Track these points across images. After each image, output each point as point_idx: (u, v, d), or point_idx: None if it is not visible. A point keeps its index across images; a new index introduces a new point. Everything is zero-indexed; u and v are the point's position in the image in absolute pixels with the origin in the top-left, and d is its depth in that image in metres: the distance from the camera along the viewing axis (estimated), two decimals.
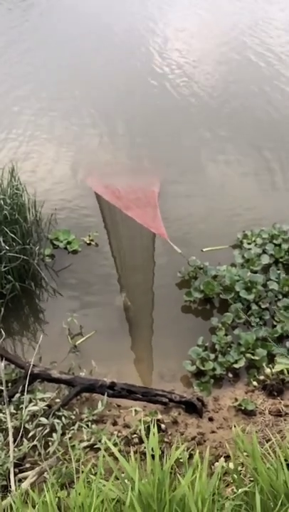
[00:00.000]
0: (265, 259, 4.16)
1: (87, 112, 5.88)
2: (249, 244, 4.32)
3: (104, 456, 2.12)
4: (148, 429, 2.96)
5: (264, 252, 4.24)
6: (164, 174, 5.01)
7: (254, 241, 4.34)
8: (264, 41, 7.38)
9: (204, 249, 4.28)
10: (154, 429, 2.11)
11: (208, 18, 7.94)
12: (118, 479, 2.05)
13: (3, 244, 3.73)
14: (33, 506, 1.99)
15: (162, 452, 2.53)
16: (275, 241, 4.33)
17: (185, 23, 7.81)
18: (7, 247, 3.75)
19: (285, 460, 2.16)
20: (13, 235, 3.80)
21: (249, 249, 4.27)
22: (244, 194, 4.90)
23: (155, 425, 2.17)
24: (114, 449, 2.05)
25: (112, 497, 1.93)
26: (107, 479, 2.11)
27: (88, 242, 4.37)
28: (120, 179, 4.88)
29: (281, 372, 3.43)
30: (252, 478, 2.28)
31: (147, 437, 2.20)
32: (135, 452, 2.58)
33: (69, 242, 4.32)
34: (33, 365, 3.24)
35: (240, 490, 2.04)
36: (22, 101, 5.98)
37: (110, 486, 1.95)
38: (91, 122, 5.75)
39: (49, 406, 3.15)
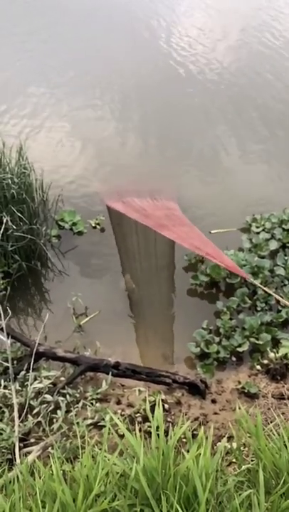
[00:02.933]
0: (273, 245, 4.14)
1: (99, 95, 5.81)
2: (257, 227, 4.31)
3: (109, 433, 2.15)
4: (152, 409, 3.03)
5: (272, 237, 4.23)
6: (179, 170, 4.93)
7: (263, 225, 4.32)
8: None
9: (212, 231, 4.28)
10: (159, 407, 2.13)
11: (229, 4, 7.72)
12: (122, 455, 2.08)
13: (10, 223, 3.72)
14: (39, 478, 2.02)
15: (165, 431, 2.56)
16: (284, 226, 4.31)
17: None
18: (14, 227, 3.75)
19: None
20: (20, 215, 3.80)
21: (257, 233, 4.26)
22: (255, 179, 4.87)
23: (160, 402, 2.18)
24: (121, 424, 2.07)
25: (117, 471, 1.96)
26: (111, 455, 2.14)
27: (94, 225, 4.36)
28: (134, 180, 4.71)
29: (285, 356, 3.44)
30: (253, 458, 2.31)
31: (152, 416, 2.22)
32: (139, 430, 2.61)
33: (74, 224, 4.32)
34: (39, 344, 3.26)
35: (243, 466, 2.07)
36: (33, 81, 5.92)
37: (115, 459, 1.98)
38: (102, 105, 5.68)
39: (54, 384, 3.18)
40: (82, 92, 5.81)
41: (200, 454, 1.94)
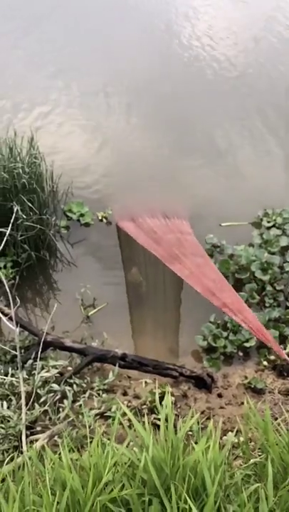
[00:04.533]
0: (284, 241, 4.12)
1: (110, 86, 5.76)
2: (269, 222, 4.28)
3: (119, 423, 2.15)
4: (159, 400, 3.03)
5: (283, 233, 4.20)
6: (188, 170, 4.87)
7: (274, 220, 4.30)
8: None
9: (223, 224, 4.27)
10: (168, 398, 2.13)
11: None
12: (128, 446, 2.09)
13: (20, 212, 3.72)
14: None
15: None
16: None
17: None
18: (24, 216, 3.75)
19: None
20: (30, 204, 3.80)
21: (268, 228, 4.24)
22: (269, 174, 4.84)
23: (169, 394, 2.18)
24: (130, 414, 2.08)
25: (125, 461, 1.96)
26: (118, 445, 2.14)
27: (101, 218, 4.35)
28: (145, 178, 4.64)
29: None
30: (260, 453, 2.31)
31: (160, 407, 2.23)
32: (146, 422, 2.61)
33: (82, 215, 4.31)
34: (46, 333, 3.27)
35: (251, 460, 2.07)
36: (44, 71, 5.88)
37: (123, 449, 1.98)
38: (113, 96, 5.64)
39: (61, 374, 3.20)
40: (97, 86, 5.76)
41: (209, 447, 1.94)
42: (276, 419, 2.74)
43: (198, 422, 2.37)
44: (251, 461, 2.07)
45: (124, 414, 2.40)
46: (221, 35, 6.73)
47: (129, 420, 2.14)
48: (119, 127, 5.28)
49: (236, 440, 2.48)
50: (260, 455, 2.28)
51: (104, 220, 4.36)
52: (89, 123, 5.28)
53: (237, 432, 2.58)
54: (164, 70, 6.05)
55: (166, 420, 2.05)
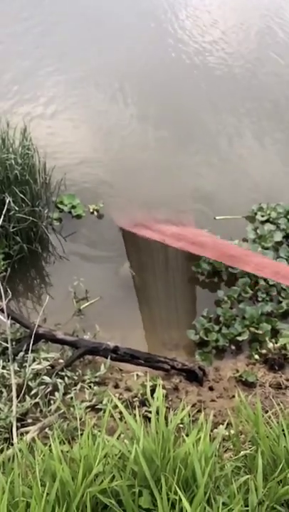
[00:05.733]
0: (278, 237, 4.13)
1: (105, 77, 5.71)
2: (263, 216, 4.29)
3: (110, 415, 2.14)
4: (150, 393, 3.03)
5: (277, 228, 4.22)
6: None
7: (268, 214, 4.31)
8: None
9: (217, 217, 4.28)
10: (160, 390, 2.13)
11: None
12: (119, 438, 2.08)
13: (12, 204, 3.69)
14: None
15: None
16: None
17: None
18: (16, 208, 3.71)
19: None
20: (22, 196, 3.76)
21: (262, 222, 4.25)
22: (265, 169, 4.84)
23: (160, 386, 2.18)
24: (121, 406, 2.07)
25: (116, 453, 1.96)
26: (109, 437, 2.14)
27: (92, 210, 4.33)
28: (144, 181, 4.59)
29: (284, 347, 3.45)
30: (250, 446, 2.32)
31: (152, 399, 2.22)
32: (137, 415, 2.61)
33: (73, 207, 4.29)
34: (38, 326, 3.25)
35: (242, 452, 2.07)
36: (41, 62, 5.81)
37: (114, 441, 1.98)
38: (111, 91, 5.59)
39: (52, 366, 3.18)
40: (91, 78, 5.71)
41: (199, 439, 1.94)
42: (267, 412, 2.74)
43: (189, 415, 2.38)
44: (242, 453, 2.08)
45: (115, 406, 2.40)
46: (220, 23, 6.70)
47: (121, 413, 2.13)
48: (114, 119, 5.24)
49: (227, 433, 2.49)
50: (250, 447, 2.29)
51: (95, 212, 4.33)
52: (84, 115, 5.24)
53: (228, 424, 2.58)
54: (160, 59, 6.00)
55: (157, 413, 2.05)
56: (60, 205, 4.27)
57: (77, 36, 6.22)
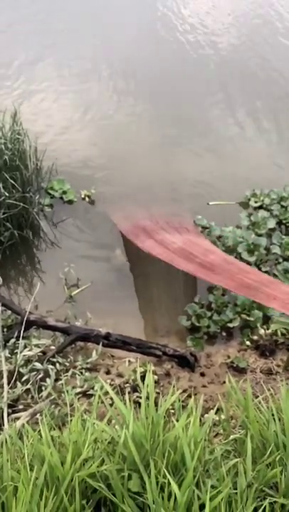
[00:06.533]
0: (271, 223, 4.12)
1: (98, 64, 5.61)
2: (256, 203, 4.29)
3: (99, 401, 2.14)
4: (141, 379, 3.04)
5: (271, 214, 4.21)
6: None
7: (262, 200, 4.30)
8: None
9: (211, 203, 4.28)
10: (150, 375, 2.12)
11: None
12: (110, 424, 2.09)
13: (2, 190, 3.64)
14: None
15: (154, 402, 2.57)
16: (282, 203, 4.29)
17: None
18: (6, 194, 3.67)
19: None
20: (13, 182, 3.71)
21: (255, 208, 4.25)
22: (259, 156, 4.82)
23: (151, 372, 2.18)
24: (111, 391, 2.07)
25: (105, 438, 1.96)
26: (100, 422, 2.14)
27: (83, 196, 4.29)
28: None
29: (275, 333, 3.46)
30: (240, 430, 2.34)
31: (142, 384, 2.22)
32: (128, 400, 2.62)
33: (64, 192, 4.25)
34: (29, 312, 3.24)
35: (231, 436, 2.09)
36: (30, 48, 5.69)
37: (104, 426, 1.98)
38: (103, 76, 5.50)
39: (44, 353, 3.18)
40: (85, 64, 5.60)
41: (189, 423, 1.94)
42: (257, 397, 2.76)
43: (179, 400, 2.39)
44: (231, 437, 2.09)
45: (106, 392, 2.40)
46: (214, 14, 6.60)
47: (111, 398, 2.13)
48: (108, 106, 5.17)
49: (217, 418, 2.50)
50: (240, 432, 2.31)
51: (87, 198, 4.29)
52: (76, 100, 5.16)
53: (218, 409, 2.60)
54: (153, 48, 5.91)
55: (148, 398, 2.05)
56: (50, 191, 4.23)
57: (69, 24, 6.09)
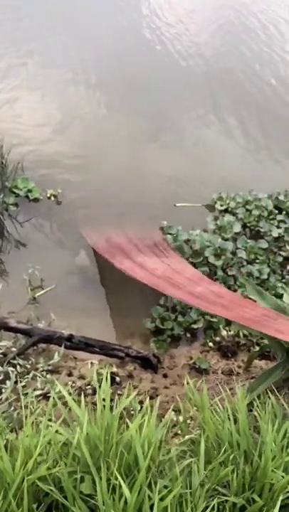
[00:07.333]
0: (237, 227, 4.20)
1: (75, 62, 5.59)
2: (222, 206, 4.36)
3: (55, 404, 2.12)
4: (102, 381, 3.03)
5: (236, 218, 4.29)
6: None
7: (227, 204, 4.37)
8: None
9: (177, 204, 4.32)
10: (107, 378, 2.12)
11: None
12: (68, 426, 2.07)
13: None
14: None
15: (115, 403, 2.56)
16: (247, 206, 4.38)
17: None
18: None
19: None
20: None
21: (221, 211, 4.33)
22: (227, 160, 4.90)
23: (108, 372, 2.17)
24: (65, 393, 2.05)
25: (60, 439, 1.94)
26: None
27: (49, 195, 4.25)
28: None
29: (237, 335, 3.51)
30: (198, 431, 2.36)
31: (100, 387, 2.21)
32: (88, 402, 2.60)
33: (29, 191, 4.21)
34: None
35: (186, 436, 2.10)
36: (6, 48, 5.61)
37: (58, 427, 1.96)
38: (75, 73, 5.48)
39: (4, 355, 3.12)
40: (57, 63, 5.56)
41: (144, 424, 1.94)
42: (215, 398, 2.80)
43: (141, 402, 2.39)
44: (186, 437, 2.10)
45: (68, 394, 2.37)
46: (192, 16, 6.66)
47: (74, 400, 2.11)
48: (77, 104, 5.15)
49: (175, 418, 2.52)
50: (197, 432, 2.33)
51: (52, 197, 4.26)
52: (46, 98, 5.12)
53: (178, 411, 2.61)
54: (128, 46, 5.92)
55: (104, 399, 2.04)
56: (15, 190, 4.17)
57: (45, 22, 6.03)
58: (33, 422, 1.93)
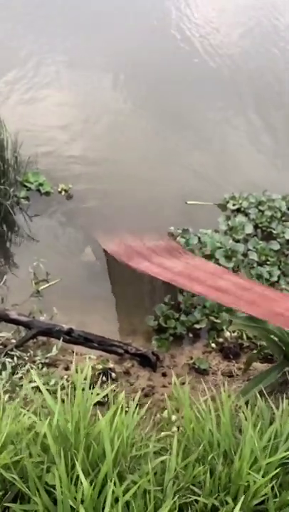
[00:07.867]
0: (249, 229, 4.10)
1: (92, 60, 5.65)
2: (234, 205, 4.26)
3: (35, 393, 2.11)
4: (98, 376, 3.01)
5: (248, 219, 4.19)
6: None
7: (240, 203, 4.27)
8: None
9: (188, 202, 4.27)
10: (87, 371, 2.09)
11: None
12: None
13: None
14: None
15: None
16: (260, 207, 4.27)
17: None
18: None
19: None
20: None
21: (233, 210, 4.25)
22: (250, 162, 4.83)
23: (89, 367, 2.15)
24: (39, 382, 2.05)
25: (27, 426, 1.92)
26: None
27: (60, 190, 4.28)
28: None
29: (240, 336, 3.41)
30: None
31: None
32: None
33: (41, 184, 4.25)
34: None
35: (162, 433, 2.05)
36: (21, 40, 5.73)
37: (30, 415, 1.95)
38: (91, 69, 5.53)
39: (4, 346, 3.16)
40: (72, 58, 5.64)
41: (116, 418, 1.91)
42: (213, 398, 2.72)
43: (133, 399, 2.34)
44: (162, 434, 2.05)
45: (62, 387, 2.36)
46: (216, 17, 6.60)
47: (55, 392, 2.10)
48: (92, 101, 5.18)
49: (166, 416, 2.47)
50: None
51: (63, 192, 4.29)
52: (58, 93, 5.19)
53: (175, 409, 2.55)
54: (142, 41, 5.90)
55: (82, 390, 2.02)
56: (26, 184, 4.23)
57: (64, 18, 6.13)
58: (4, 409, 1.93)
